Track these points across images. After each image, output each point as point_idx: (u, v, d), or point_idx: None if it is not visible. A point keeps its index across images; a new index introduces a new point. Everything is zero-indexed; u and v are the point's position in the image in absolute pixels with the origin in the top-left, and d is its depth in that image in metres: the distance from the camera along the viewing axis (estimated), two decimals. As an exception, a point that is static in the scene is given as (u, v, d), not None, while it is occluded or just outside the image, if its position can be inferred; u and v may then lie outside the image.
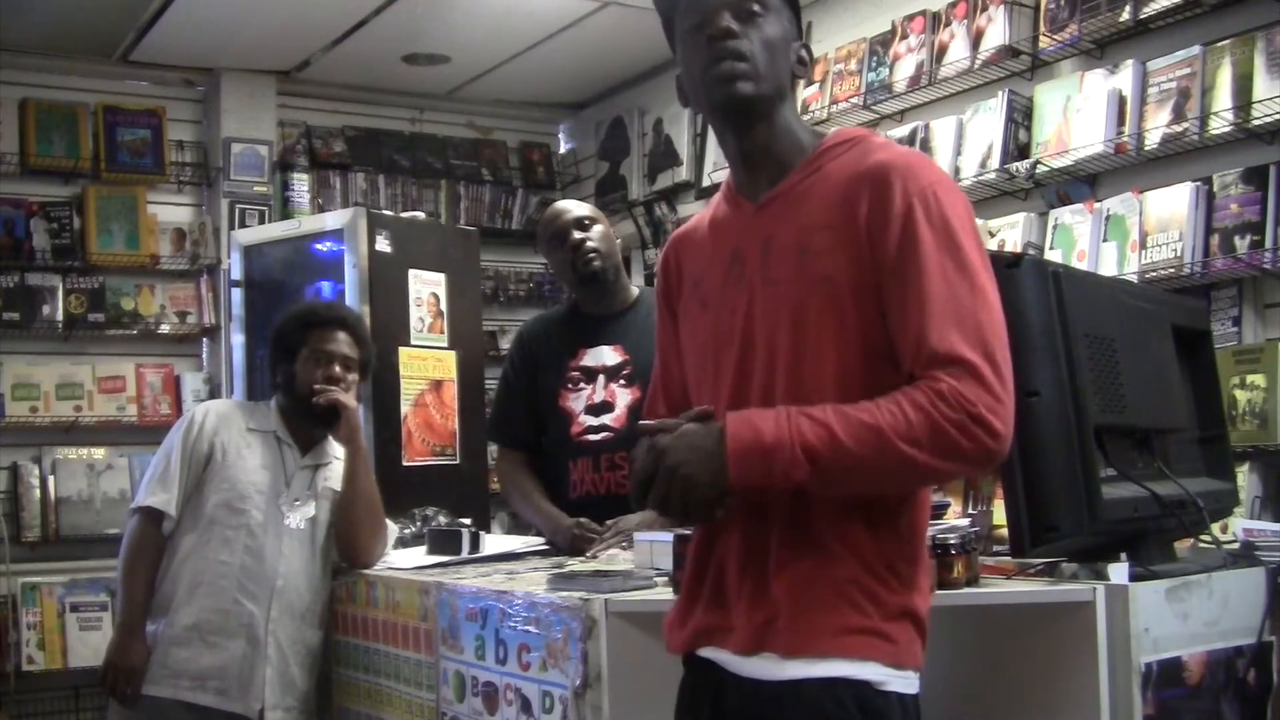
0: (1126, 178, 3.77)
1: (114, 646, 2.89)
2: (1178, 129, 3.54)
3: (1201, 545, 2.33)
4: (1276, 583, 2.17)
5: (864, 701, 1.56)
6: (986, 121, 4.11)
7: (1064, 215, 3.86)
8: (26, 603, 4.98)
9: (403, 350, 3.98)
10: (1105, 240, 3.70)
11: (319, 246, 4.32)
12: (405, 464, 3.93)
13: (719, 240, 1.78)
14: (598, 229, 3.24)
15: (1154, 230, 3.57)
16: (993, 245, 3.93)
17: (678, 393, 1.85)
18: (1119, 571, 2.00)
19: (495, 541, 3.24)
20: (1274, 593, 2.16)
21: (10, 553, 5.03)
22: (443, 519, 3.41)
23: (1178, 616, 2.03)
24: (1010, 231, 4.00)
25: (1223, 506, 2.41)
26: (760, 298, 1.67)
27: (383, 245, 4.00)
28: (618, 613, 2.12)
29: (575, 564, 2.75)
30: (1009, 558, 2.15)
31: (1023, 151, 4.00)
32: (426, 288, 4.09)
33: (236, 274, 4.53)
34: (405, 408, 3.96)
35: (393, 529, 3.15)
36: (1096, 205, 3.76)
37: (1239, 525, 2.56)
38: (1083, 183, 3.91)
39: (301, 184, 5.84)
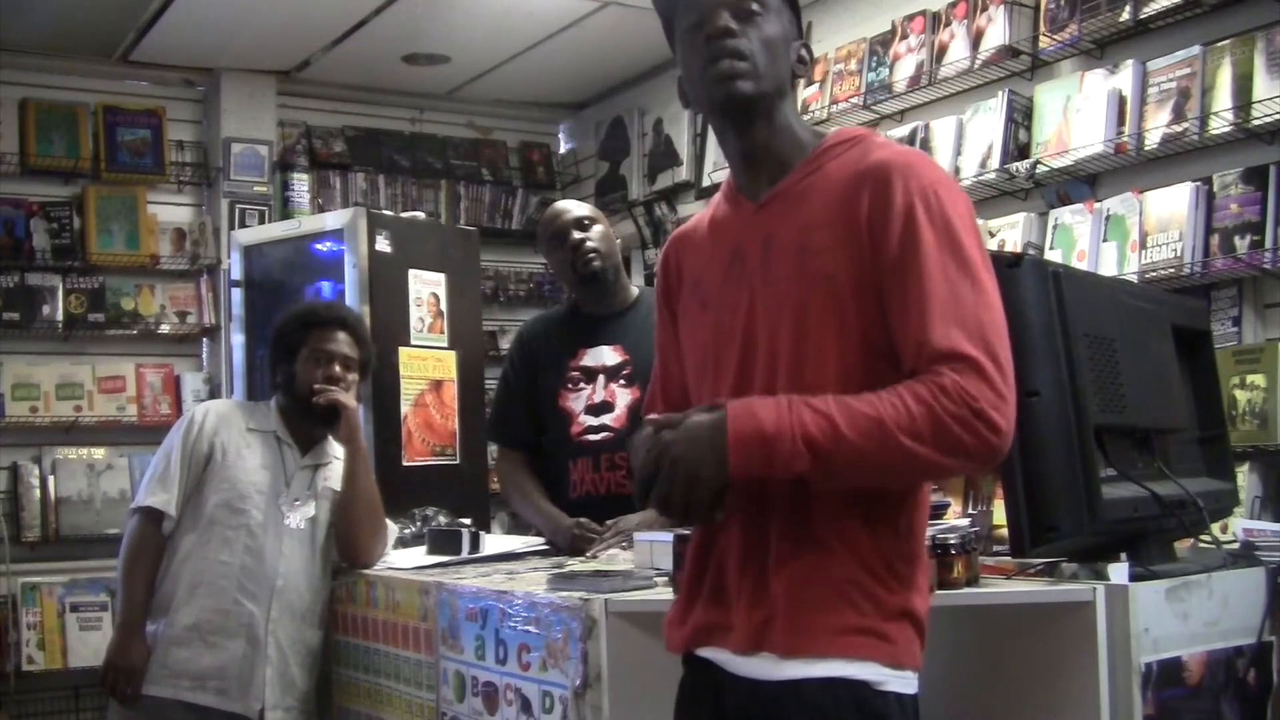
0: (1126, 178, 3.77)
1: (114, 646, 2.89)
2: (1178, 129, 3.54)
3: (1201, 545, 2.33)
4: (1276, 583, 2.17)
5: (862, 701, 1.56)
6: (986, 121, 4.11)
7: (1064, 215, 3.86)
8: (26, 603, 4.98)
9: (403, 350, 3.98)
10: (1105, 240, 3.70)
11: (319, 246, 4.32)
12: (405, 464, 3.93)
13: (719, 239, 1.78)
14: (598, 229, 3.24)
15: (1154, 230, 3.57)
16: (993, 245, 3.93)
17: (677, 393, 1.85)
18: (1119, 571, 2.00)
19: (495, 541, 3.24)
20: (1274, 593, 2.16)
21: (10, 553, 5.03)
22: (443, 519, 3.41)
23: (1178, 616, 2.03)
24: (1010, 231, 4.00)
25: (1223, 506, 2.41)
26: (761, 297, 1.67)
27: (383, 245, 4.00)
28: (618, 613, 2.12)
29: (575, 564, 2.75)
30: (1009, 558, 2.15)
31: (1023, 151, 4.00)
32: (426, 288, 4.09)
33: (236, 274, 4.53)
34: (405, 408, 3.96)
35: (393, 529, 3.15)
36: (1096, 205, 3.76)
37: (1239, 525, 2.56)
38: (1083, 183, 3.91)
39: (301, 184, 5.84)
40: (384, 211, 4.41)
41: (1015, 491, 1.93)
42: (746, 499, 1.62)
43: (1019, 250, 3.84)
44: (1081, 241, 3.76)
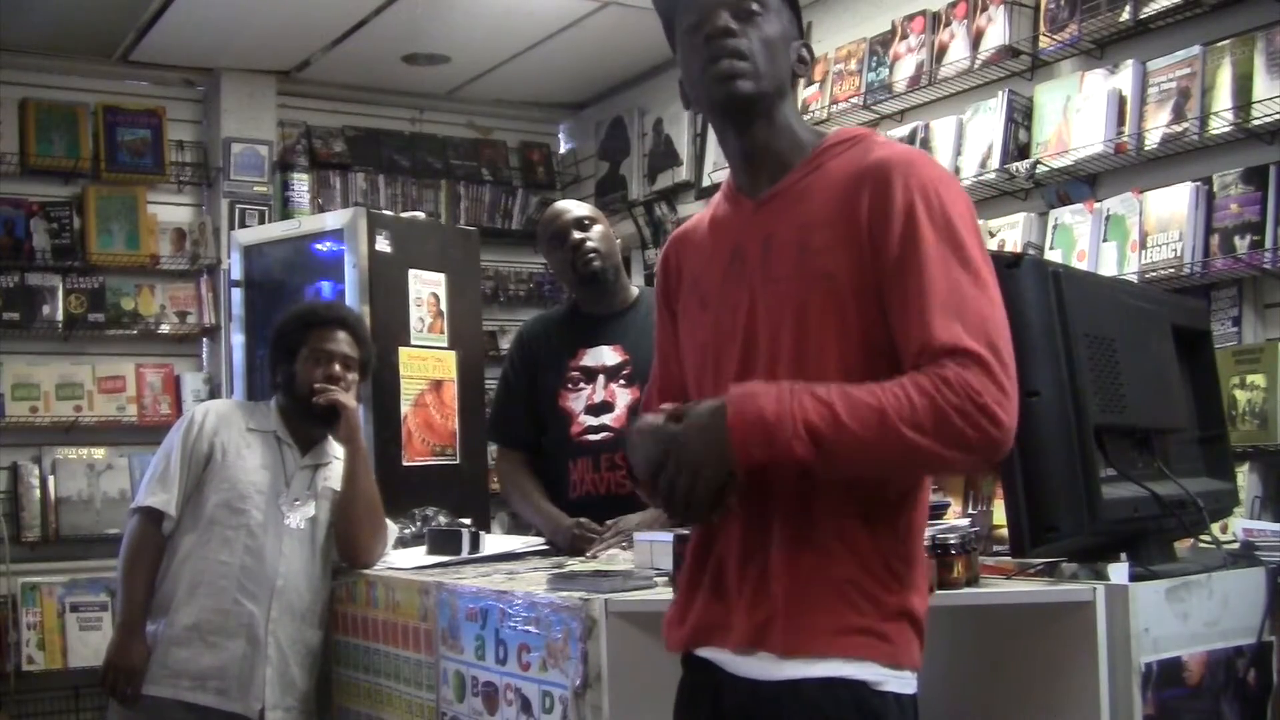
0: (1126, 178, 3.77)
1: (114, 646, 2.89)
2: (1178, 129, 3.54)
3: (1201, 545, 2.33)
4: (1276, 583, 2.17)
5: (861, 701, 1.56)
6: (986, 121, 4.11)
7: (1064, 215, 3.86)
8: (26, 603, 4.98)
9: (403, 350, 3.98)
10: (1105, 240, 3.70)
11: (319, 246, 4.32)
12: (405, 464, 3.93)
13: (719, 239, 1.78)
14: (597, 229, 3.24)
15: (1154, 230, 3.57)
16: (993, 245, 3.93)
17: (675, 392, 1.85)
18: (1119, 571, 2.00)
19: (495, 541, 3.24)
20: (1274, 593, 2.16)
21: (10, 553, 5.03)
22: (443, 519, 3.41)
23: (1178, 616, 2.03)
24: (1010, 231, 3.99)
25: (1223, 506, 2.41)
26: (762, 296, 1.67)
27: (383, 245, 4.00)
28: (618, 613, 2.12)
29: (575, 564, 2.75)
30: (1009, 558, 2.15)
31: (1023, 151, 4.00)
32: (426, 288, 4.09)
33: (236, 274, 4.53)
34: (405, 408, 3.96)
35: (393, 529, 3.15)
36: (1096, 205, 3.76)
37: (1239, 525, 2.56)
38: (1083, 183, 3.91)
39: (301, 184, 5.84)
40: (384, 211, 4.41)
41: (1015, 491, 1.93)
42: (747, 498, 1.62)
43: (1019, 250, 3.84)
44: (1081, 241, 3.76)
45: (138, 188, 5.53)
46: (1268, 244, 3.32)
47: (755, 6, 1.68)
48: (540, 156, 6.62)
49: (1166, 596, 2.02)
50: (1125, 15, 3.69)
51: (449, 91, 6.26)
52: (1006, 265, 1.92)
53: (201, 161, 5.72)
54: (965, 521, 2.34)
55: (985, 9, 4.15)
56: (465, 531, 3.04)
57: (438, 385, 4.07)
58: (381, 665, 2.79)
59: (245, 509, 2.93)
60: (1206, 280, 3.50)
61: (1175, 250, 3.50)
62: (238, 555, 2.90)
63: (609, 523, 2.98)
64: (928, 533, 1.84)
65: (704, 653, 1.70)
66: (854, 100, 4.61)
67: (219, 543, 2.91)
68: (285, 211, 5.72)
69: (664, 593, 2.17)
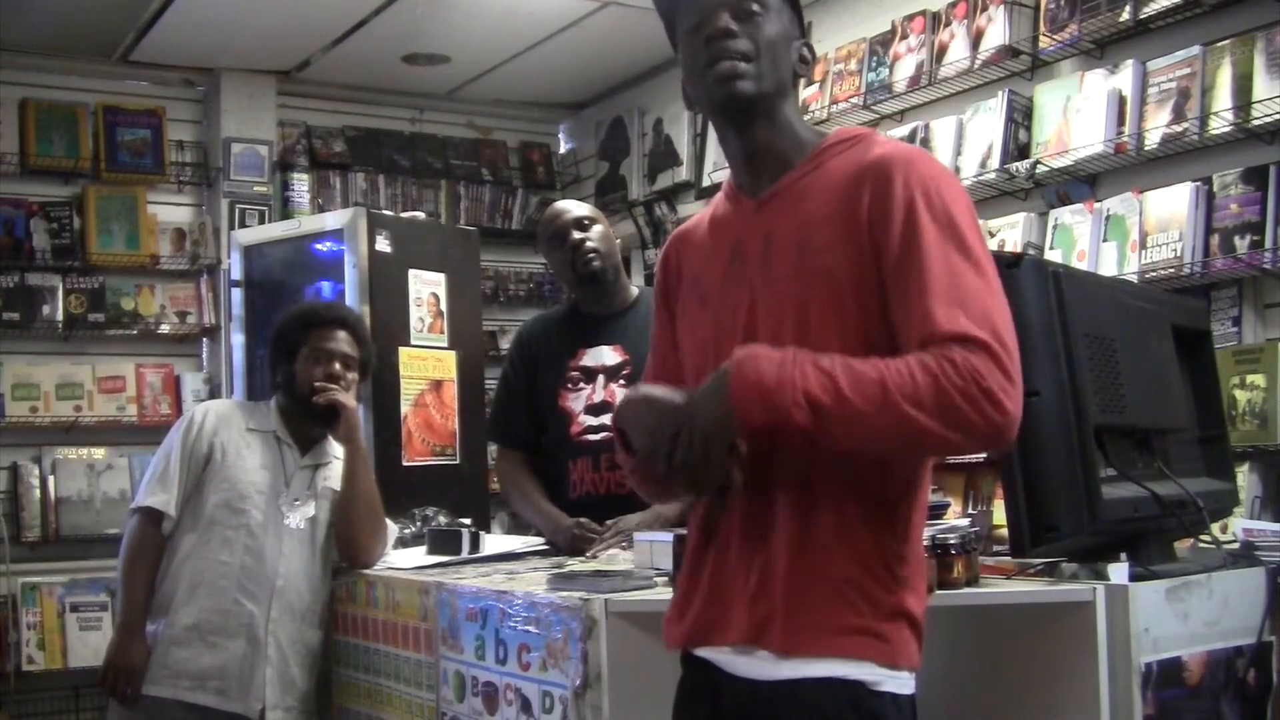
0: (1126, 178, 3.77)
1: (114, 646, 2.89)
2: (1178, 129, 3.54)
3: (1201, 545, 2.33)
4: (1276, 583, 2.17)
5: (859, 702, 1.56)
6: (986, 121, 4.11)
7: (1064, 215, 3.86)
8: (26, 603, 4.98)
9: (403, 350, 3.98)
10: (1105, 240, 3.70)
11: (319, 246, 4.32)
12: (405, 464, 3.93)
13: (719, 237, 1.78)
14: (597, 229, 3.24)
15: (1154, 230, 3.57)
16: (993, 245, 3.93)
17: (669, 390, 1.85)
18: (1119, 571, 2.00)
19: (495, 541, 3.23)
20: (1274, 593, 2.16)
21: (10, 553, 5.03)
22: (443, 519, 3.41)
23: (1178, 616, 2.03)
24: (1010, 231, 4.00)
25: (1223, 506, 2.41)
26: (763, 295, 1.67)
27: (383, 245, 4.00)
28: (618, 613, 2.12)
29: (575, 564, 2.75)
30: (1009, 558, 2.16)
31: (1023, 151, 4.00)
32: (426, 288, 4.09)
33: (236, 274, 4.53)
34: (405, 408, 3.96)
35: (393, 529, 3.15)
36: (1096, 205, 3.76)
37: (1239, 525, 2.57)
38: (1083, 183, 3.91)
39: (301, 184, 5.84)
40: (384, 211, 4.41)
41: (1015, 491, 1.93)
42: (747, 499, 1.62)
43: (1019, 250, 3.84)
44: (1081, 241, 3.76)
45: (138, 188, 5.53)
46: (1268, 244, 3.32)
47: (755, 7, 1.68)
48: (540, 156, 6.62)
49: (1166, 596, 2.02)
50: (1125, 15, 3.69)
51: (449, 91, 6.26)
52: (1006, 265, 1.92)
53: (201, 161, 5.72)
54: (965, 521, 2.34)
55: (985, 9, 4.16)
56: (465, 531, 3.04)
57: (438, 385, 4.07)
58: (381, 665, 2.79)
59: (245, 509, 2.93)
60: (1206, 280, 3.50)
61: (1175, 250, 3.50)
62: (238, 555, 2.90)
63: (609, 523, 2.98)
64: (927, 532, 1.84)
65: (703, 653, 1.70)
66: (854, 100, 4.61)
67: (219, 543, 2.91)
68: (285, 211, 5.72)
69: (664, 593, 2.16)
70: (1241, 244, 3.37)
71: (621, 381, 3.17)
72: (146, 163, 5.55)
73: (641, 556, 2.45)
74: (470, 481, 4.14)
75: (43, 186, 5.38)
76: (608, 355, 3.21)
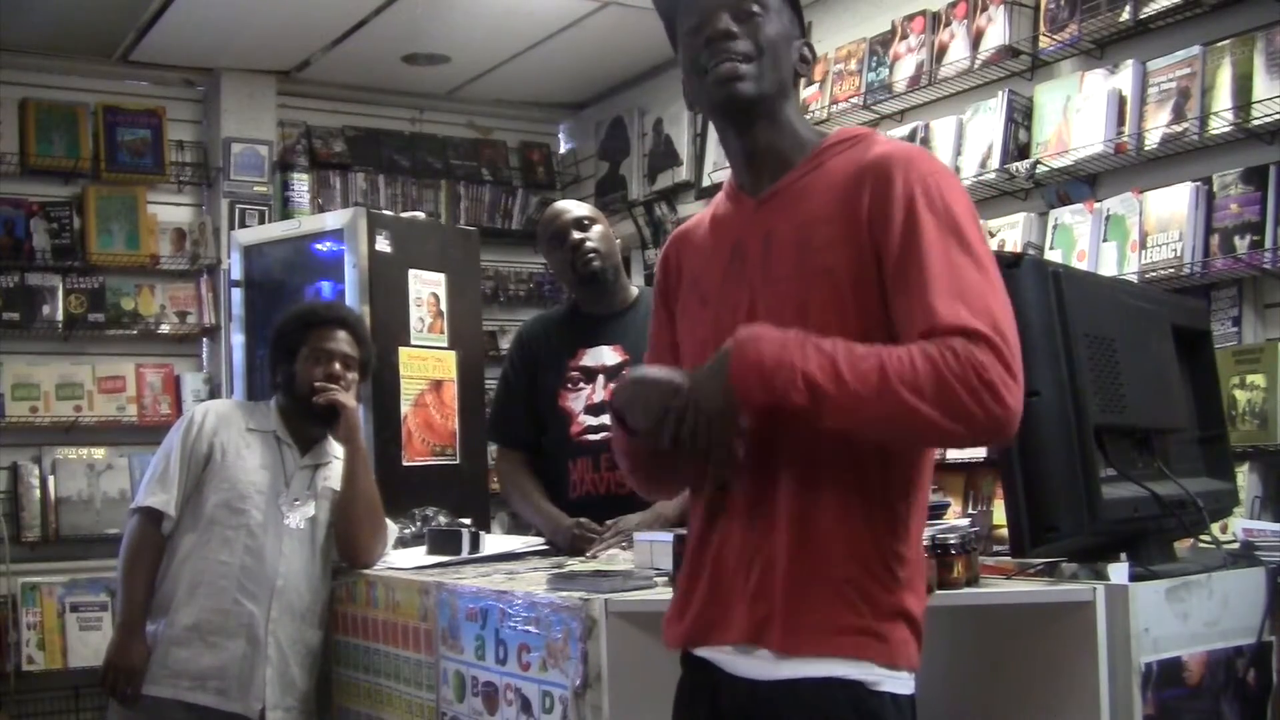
0: (1126, 178, 3.77)
1: (114, 646, 2.89)
2: (1178, 129, 3.54)
3: (1201, 545, 2.33)
4: (1276, 583, 2.17)
5: (858, 701, 1.56)
6: (986, 121, 4.11)
7: (1064, 215, 3.86)
8: (26, 603, 4.98)
9: (403, 350, 3.98)
10: (1105, 240, 3.70)
11: (319, 246, 4.32)
12: (405, 464, 3.93)
13: (719, 236, 1.78)
14: (597, 229, 3.24)
15: (1154, 230, 3.57)
16: (993, 245, 3.92)
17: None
18: (1119, 571, 2.00)
19: (495, 541, 3.23)
20: (1274, 593, 2.16)
21: (10, 553, 5.03)
22: (443, 519, 3.41)
23: (1178, 616, 2.03)
24: (1010, 231, 4.00)
25: (1223, 506, 2.41)
26: (763, 295, 1.68)
27: (383, 245, 4.00)
28: (618, 613, 2.12)
29: (575, 564, 2.75)
30: (1009, 558, 2.16)
31: (1023, 151, 4.00)
32: (426, 288, 4.09)
33: (236, 274, 4.53)
34: (405, 408, 3.96)
35: (393, 529, 3.15)
36: (1096, 205, 3.76)
37: (1239, 525, 2.57)
38: (1083, 183, 3.91)
39: (301, 184, 5.84)
40: (384, 211, 4.41)
41: (1015, 491, 1.93)
42: (747, 498, 1.62)
43: (1019, 250, 3.84)
44: (1081, 241, 3.76)
45: (138, 188, 5.53)
46: (1268, 244, 3.32)
47: (755, 7, 1.68)
48: (540, 156, 6.62)
49: (1166, 596, 2.02)
50: (1125, 15, 3.69)
51: (449, 91, 6.26)
52: (1007, 265, 1.92)
53: (201, 161, 5.72)
54: (965, 521, 2.34)
55: (985, 9, 4.15)
56: (465, 531, 3.04)
57: (438, 385, 4.07)
58: (381, 665, 2.79)
59: (245, 509, 2.93)
60: (1206, 280, 3.50)
61: (1175, 250, 3.50)
62: (238, 555, 2.90)
63: (609, 523, 2.98)
64: (927, 532, 1.84)
65: (702, 652, 1.70)
66: (854, 100, 4.61)
67: (219, 543, 2.91)
68: (285, 211, 5.72)
69: (664, 593, 2.16)
70: (1241, 244, 3.37)
71: (621, 381, 3.17)
72: (146, 163, 5.55)
73: (641, 556, 2.45)
74: (470, 481, 4.14)
75: (43, 186, 5.38)
76: (608, 355, 3.21)
